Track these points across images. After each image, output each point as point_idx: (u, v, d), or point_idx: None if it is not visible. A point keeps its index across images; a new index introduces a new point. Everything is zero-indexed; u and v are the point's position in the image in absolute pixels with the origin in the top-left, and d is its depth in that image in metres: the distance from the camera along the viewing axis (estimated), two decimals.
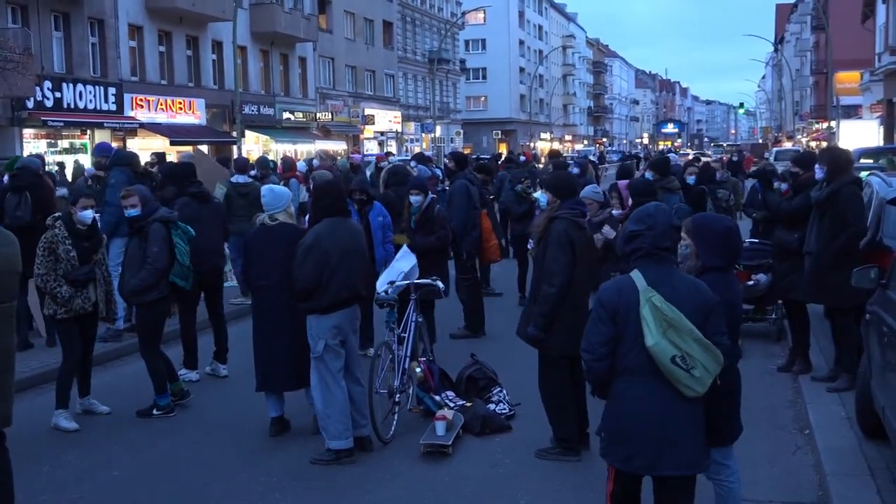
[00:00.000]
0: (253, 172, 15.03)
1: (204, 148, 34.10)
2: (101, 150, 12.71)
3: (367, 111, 54.58)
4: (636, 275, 4.48)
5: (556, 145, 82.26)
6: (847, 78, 52.38)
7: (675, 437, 4.41)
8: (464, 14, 74.67)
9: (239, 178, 13.94)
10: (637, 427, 4.46)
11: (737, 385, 5.08)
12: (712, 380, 4.38)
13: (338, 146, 47.36)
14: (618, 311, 4.44)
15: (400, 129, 61.19)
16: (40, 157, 16.54)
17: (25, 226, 10.05)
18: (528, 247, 11.07)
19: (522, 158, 25.78)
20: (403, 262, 8.75)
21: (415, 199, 10.12)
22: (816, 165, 8.77)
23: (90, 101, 30.76)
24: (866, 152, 24.80)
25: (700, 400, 4.44)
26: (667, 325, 4.30)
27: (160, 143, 32.76)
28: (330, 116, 49.47)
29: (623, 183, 8.16)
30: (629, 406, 4.49)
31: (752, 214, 12.20)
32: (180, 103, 35.89)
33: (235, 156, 25.74)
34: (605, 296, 4.54)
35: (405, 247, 9.22)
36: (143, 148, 31.22)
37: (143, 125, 33.05)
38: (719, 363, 4.37)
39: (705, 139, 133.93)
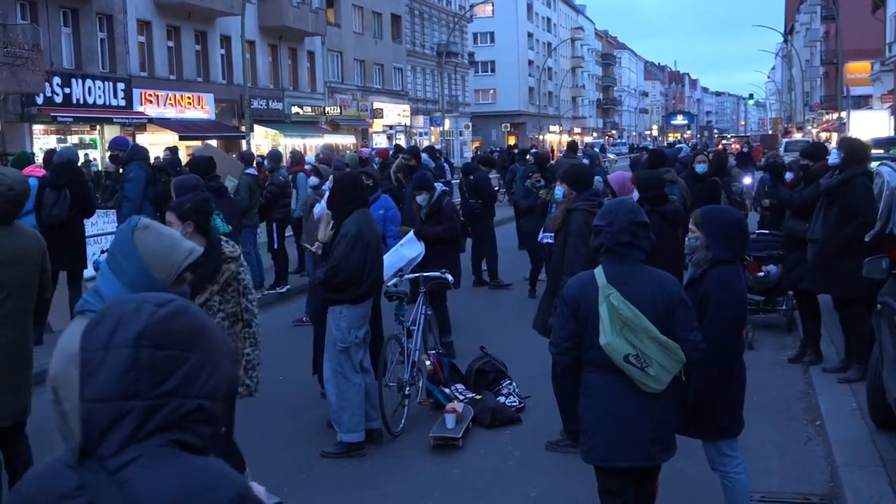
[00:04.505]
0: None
1: (213, 143, 34.18)
2: (117, 144, 12.64)
3: (376, 105, 54.57)
4: (598, 271, 4.49)
5: (566, 138, 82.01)
6: (857, 68, 52.18)
7: (632, 431, 4.42)
8: (472, 7, 74.54)
9: (251, 171, 14.02)
10: (597, 419, 4.50)
11: (741, 378, 5.08)
12: (671, 377, 4.38)
13: (346, 140, 47.38)
14: (580, 307, 4.46)
15: (409, 123, 61.17)
16: (72, 149, 16.55)
17: (61, 222, 10.09)
18: (539, 239, 11.07)
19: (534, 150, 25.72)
20: (407, 249, 8.76)
21: (420, 198, 10.13)
22: (834, 150, 8.73)
23: (99, 96, 30.85)
24: (877, 142, 24.68)
25: (665, 395, 4.44)
26: (622, 323, 4.31)
27: (169, 139, 32.83)
28: (339, 110, 49.45)
29: (614, 176, 8.08)
30: (591, 398, 4.53)
31: (756, 207, 12.17)
32: (189, 98, 35.94)
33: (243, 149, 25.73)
34: (568, 292, 4.58)
35: (411, 233, 9.23)
36: (153, 143, 31.31)
37: (152, 120, 33.11)
38: (679, 361, 4.36)
39: (715, 131, 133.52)
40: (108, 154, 14.64)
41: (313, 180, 12.18)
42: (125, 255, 3.06)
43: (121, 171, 11.78)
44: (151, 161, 12.73)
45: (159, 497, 1.78)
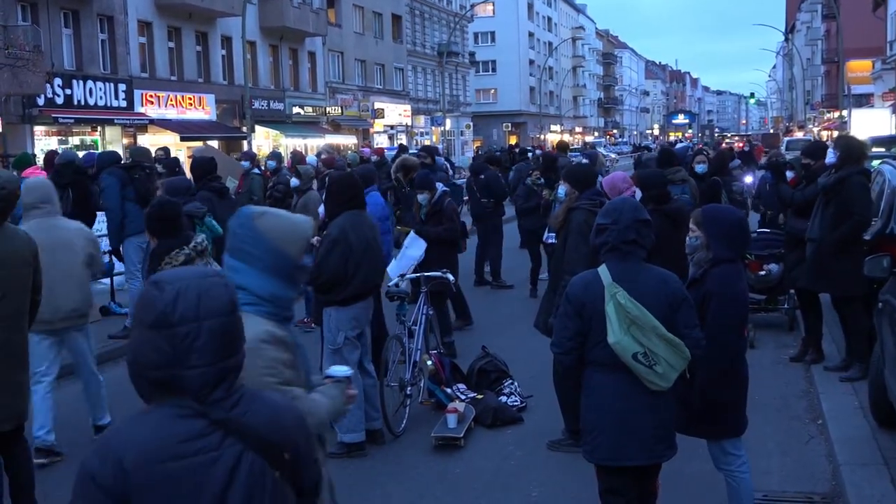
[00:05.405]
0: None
1: (214, 143, 34.19)
2: (86, 162, 12.86)
3: (377, 105, 54.54)
4: (602, 270, 4.48)
5: (567, 137, 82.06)
6: (858, 67, 52.15)
7: (635, 430, 4.42)
8: (472, 6, 74.49)
9: (259, 171, 14.06)
10: (600, 419, 4.49)
11: (744, 377, 5.07)
12: (678, 374, 4.38)
13: (348, 140, 47.38)
14: (584, 306, 4.45)
15: (410, 123, 61.16)
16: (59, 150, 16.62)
17: None
18: (544, 239, 11.04)
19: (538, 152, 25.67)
20: (413, 250, 8.73)
21: (421, 197, 10.11)
22: (830, 150, 8.73)
23: (100, 97, 30.83)
24: (878, 140, 24.68)
25: (667, 393, 4.44)
26: (630, 322, 4.30)
27: (171, 139, 32.84)
28: (340, 111, 49.44)
29: (606, 179, 8.08)
30: (594, 398, 4.52)
31: (761, 208, 12.15)
32: (190, 99, 35.92)
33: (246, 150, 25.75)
34: (573, 291, 4.56)
35: (412, 233, 9.20)
36: (154, 144, 31.33)
37: (153, 121, 33.10)
38: (685, 358, 4.36)
39: (716, 130, 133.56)
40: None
41: (294, 182, 12.19)
42: (255, 244, 3.19)
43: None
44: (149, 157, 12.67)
45: (267, 420, 2.33)
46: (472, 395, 8.21)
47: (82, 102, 29.91)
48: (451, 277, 8.67)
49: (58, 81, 28.63)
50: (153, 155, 15.09)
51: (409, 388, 7.86)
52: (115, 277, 12.53)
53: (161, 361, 2.24)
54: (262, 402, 2.36)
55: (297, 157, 16.98)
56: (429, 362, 8.12)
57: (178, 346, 2.24)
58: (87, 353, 7.53)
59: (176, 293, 2.26)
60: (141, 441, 2.23)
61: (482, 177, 15.12)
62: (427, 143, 52.92)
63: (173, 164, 14.58)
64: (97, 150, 29.69)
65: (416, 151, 24.73)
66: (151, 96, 33.52)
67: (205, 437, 2.25)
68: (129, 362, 2.34)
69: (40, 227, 6.77)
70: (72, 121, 29.39)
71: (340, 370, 3.49)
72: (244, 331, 2.39)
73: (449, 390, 8.18)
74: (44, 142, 28.34)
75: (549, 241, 10.03)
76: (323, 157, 15.72)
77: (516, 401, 8.21)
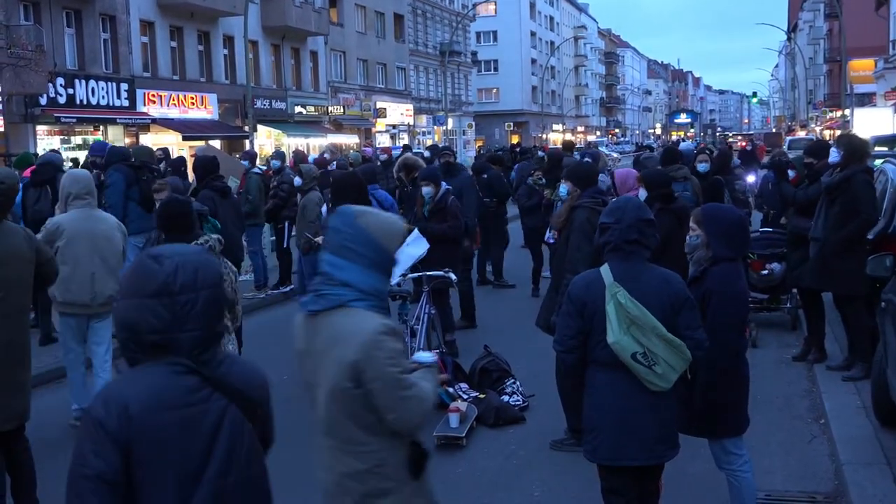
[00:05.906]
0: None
1: (216, 143, 34.19)
2: (95, 150, 12.87)
3: (379, 104, 54.53)
4: (605, 269, 4.47)
5: (569, 136, 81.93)
6: (861, 66, 52.08)
7: (637, 430, 4.41)
8: (475, 6, 74.47)
9: (258, 170, 14.06)
10: (601, 418, 4.49)
11: (744, 375, 5.06)
12: (678, 375, 4.37)
13: (350, 140, 47.39)
14: (586, 305, 4.44)
15: (412, 122, 61.13)
16: (57, 153, 16.75)
17: (44, 218, 10.16)
18: (546, 239, 11.03)
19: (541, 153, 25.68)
20: (414, 248, 8.72)
21: (426, 190, 10.03)
22: (833, 149, 8.72)
23: (102, 97, 30.84)
24: (880, 140, 24.68)
25: (669, 393, 4.43)
26: (630, 322, 4.30)
27: (173, 139, 32.86)
28: (342, 110, 49.44)
29: (620, 172, 8.07)
30: (596, 397, 4.52)
31: (764, 207, 12.11)
32: (192, 98, 35.93)
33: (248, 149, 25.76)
34: (574, 290, 4.56)
35: (415, 231, 9.19)
36: (156, 143, 31.34)
37: (155, 121, 33.11)
38: (685, 360, 4.35)
39: (718, 129, 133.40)
40: (87, 159, 14.66)
41: (297, 181, 12.19)
42: (360, 242, 3.33)
43: (101, 177, 11.65)
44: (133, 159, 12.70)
45: (247, 380, 2.69)
46: (474, 394, 8.20)
47: (84, 102, 29.93)
48: (452, 276, 8.65)
49: (60, 81, 28.64)
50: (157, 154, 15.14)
51: None
52: None
53: (160, 326, 2.52)
54: (240, 366, 2.73)
55: (300, 157, 17.00)
56: None
57: (178, 312, 2.52)
58: (108, 340, 7.83)
59: (176, 266, 2.55)
60: (144, 391, 2.50)
61: (485, 176, 15.11)
62: (429, 142, 52.98)
63: (178, 164, 14.59)
64: None
65: (420, 151, 24.73)
66: (153, 96, 33.53)
67: (197, 391, 2.55)
68: (122, 328, 2.56)
69: (84, 216, 7.34)
70: (74, 120, 29.39)
71: (427, 357, 3.63)
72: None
73: (451, 389, 8.16)
74: (46, 141, 28.34)
75: (551, 240, 10.02)
76: (327, 156, 15.78)
77: (518, 400, 8.20)
